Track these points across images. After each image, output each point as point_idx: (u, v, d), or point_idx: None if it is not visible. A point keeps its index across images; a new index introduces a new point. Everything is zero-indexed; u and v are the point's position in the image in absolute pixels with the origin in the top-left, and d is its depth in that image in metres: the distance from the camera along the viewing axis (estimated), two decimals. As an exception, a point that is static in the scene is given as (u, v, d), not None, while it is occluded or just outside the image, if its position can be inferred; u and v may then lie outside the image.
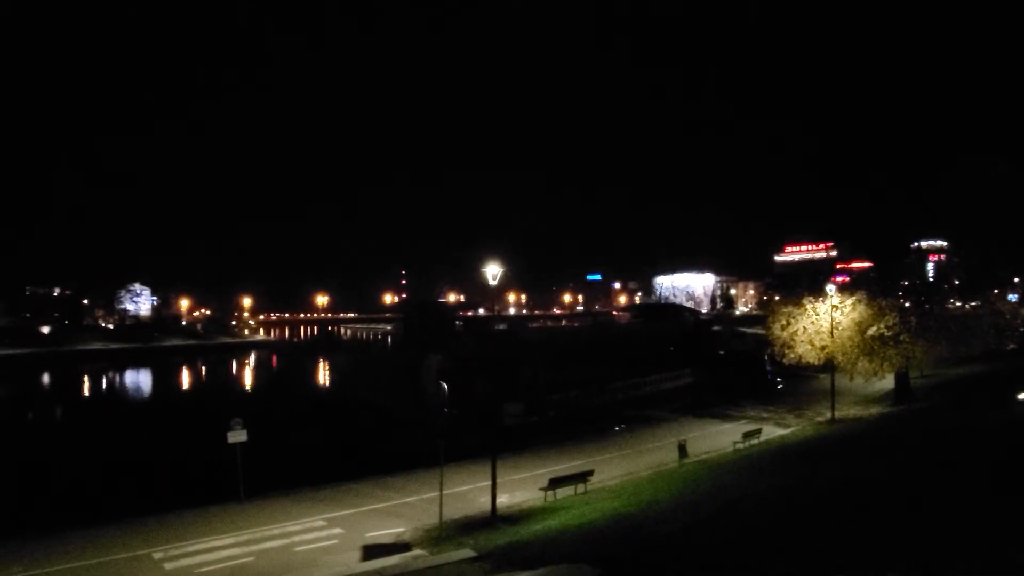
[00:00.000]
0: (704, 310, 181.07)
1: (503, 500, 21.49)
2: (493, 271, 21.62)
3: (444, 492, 20.48)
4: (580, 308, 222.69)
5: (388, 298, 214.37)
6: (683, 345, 76.41)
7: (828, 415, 36.49)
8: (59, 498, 27.40)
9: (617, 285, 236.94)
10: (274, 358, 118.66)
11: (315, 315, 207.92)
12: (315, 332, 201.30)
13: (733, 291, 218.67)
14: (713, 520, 16.46)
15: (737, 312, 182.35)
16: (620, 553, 14.64)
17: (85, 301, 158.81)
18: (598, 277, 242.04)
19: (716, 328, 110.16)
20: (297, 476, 26.76)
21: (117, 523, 21.11)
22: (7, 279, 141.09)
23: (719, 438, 32.69)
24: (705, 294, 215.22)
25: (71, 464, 35.54)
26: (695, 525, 16.28)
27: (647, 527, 17.02)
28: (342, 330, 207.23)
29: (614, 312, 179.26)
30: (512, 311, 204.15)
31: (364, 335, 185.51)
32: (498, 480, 20.66)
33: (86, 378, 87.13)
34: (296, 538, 19.45)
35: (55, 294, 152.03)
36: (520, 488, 24.25)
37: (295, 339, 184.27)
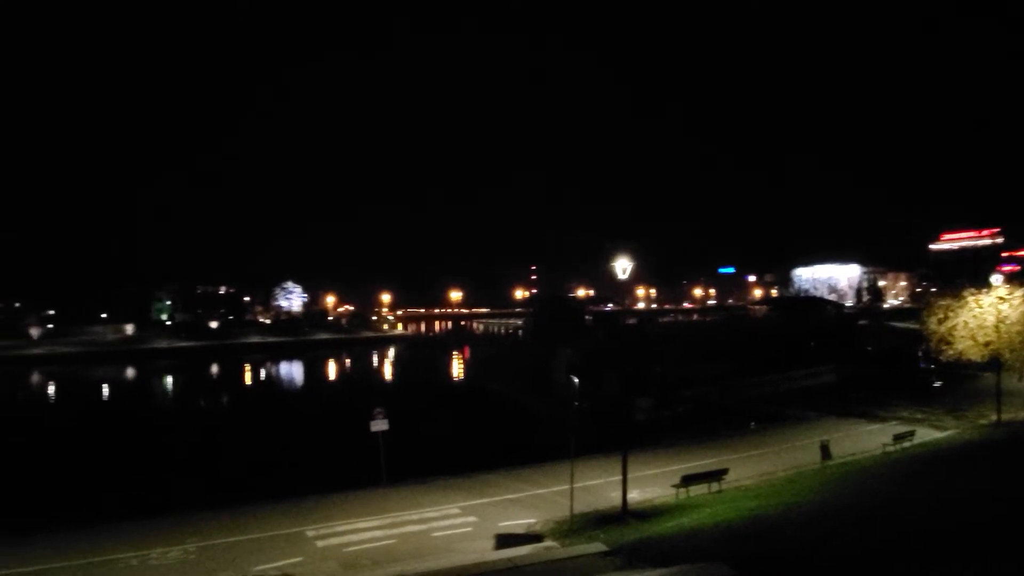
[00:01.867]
0: (849, 303, 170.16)
1: (634, 495, 21.38)
2: (623, 265, 21.50)
3: (575, 485, 20.67)
4: (712, 302, 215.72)
5: (519, 293, 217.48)
6: (825, 340, 72.20)
7: (993, 418, 33.35)
8: (225, 478, 30.05)
9: (752, 278, 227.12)
10: (408, 353, 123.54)
11: (449, 310, 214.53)
12: (449, 326, 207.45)
13: (882, 283, 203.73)
14: (859, 527, 15.57)
15: (886, 305, 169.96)
16: (757, 554, 14.19)
17: (246, 298, 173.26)
18: (731, 270, 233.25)
19: (862, 322, 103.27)
20: (434, 465, 27.86)
21: (276, 502, 22.97)
22: (183, 279, 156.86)
23: (866, 439, 30.73)
24: (850, 286, 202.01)
25: (235, 447, 38.92)
26: (839, 531, 15.48)
27: (786, 530, 16.37)
28: (475, 324, 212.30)
29: (749, 306, 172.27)
30: (641, 305, 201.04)
31: (496, 329, 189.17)
32: (629, 475, 20.57)
33: (247, 368, 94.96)
34: (434, 524, 20.32)
35: (221, 292, 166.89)
36: (651, 484, 24.00)
37: (430, 333, 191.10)
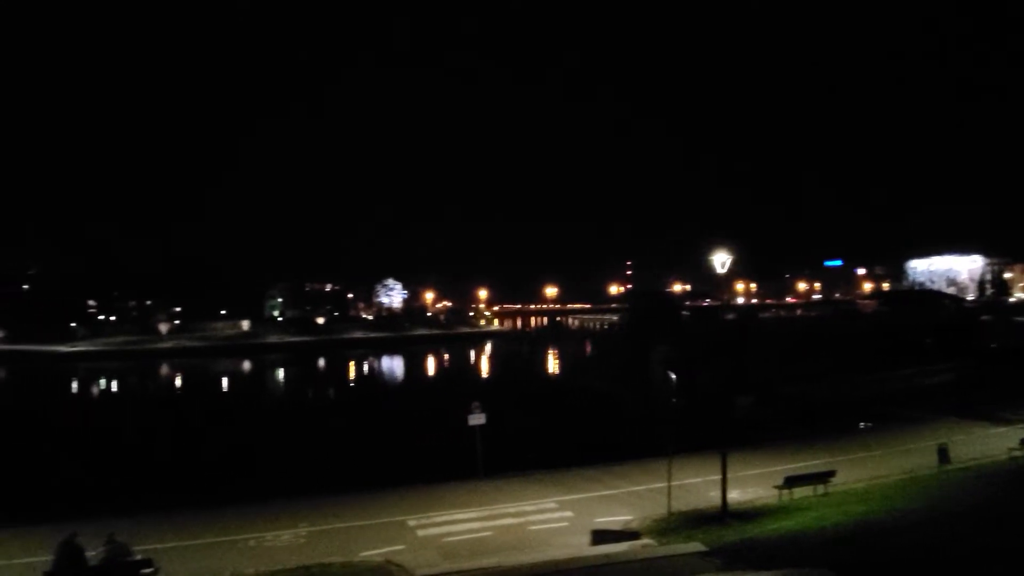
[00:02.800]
0: (970, 297, 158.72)
1: (733, 495, 20.88)
2: (722, 259, 21.02)
3: (672, 483, 20.42)
4: (817, 296, 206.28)
5: (614, 289, 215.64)
6: (943, 336, 67.81)
7: None
8: (332, 467, 31.45)
9: (861, 271, 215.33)
10: (503, 347, 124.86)
11: (545, 306, 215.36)
12: (545, 322, 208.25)
13: (1008, 275, 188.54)
14: (979, 536, 14.64)
15: (1012, 299, 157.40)
16: (864, 561, 13.61)
17: (350, 295, 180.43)
18: (838, 263, 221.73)
19: (985, 318, 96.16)
20: (530, 459, 28.15)
21: (378, 492, 23.91)
22: (292, 278, 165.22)
23: (990, 443, 28.67)
24: (971, 279, 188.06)
25: (340, 437, 40.63)
26: (956, 540, 14.61)
27: (897, 536, 15.60)
28: (570, 320, 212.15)
29: (857, 300, 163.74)
30: (741, 300, 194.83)
31: (591, 325, 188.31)
32: (728, 475, 20.12)
33: (351, 362, 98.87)
34: (530, 517, 20.57)
35: (327, 290, 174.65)
36: (751, 484, 23.37)
37: (527, 329, 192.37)
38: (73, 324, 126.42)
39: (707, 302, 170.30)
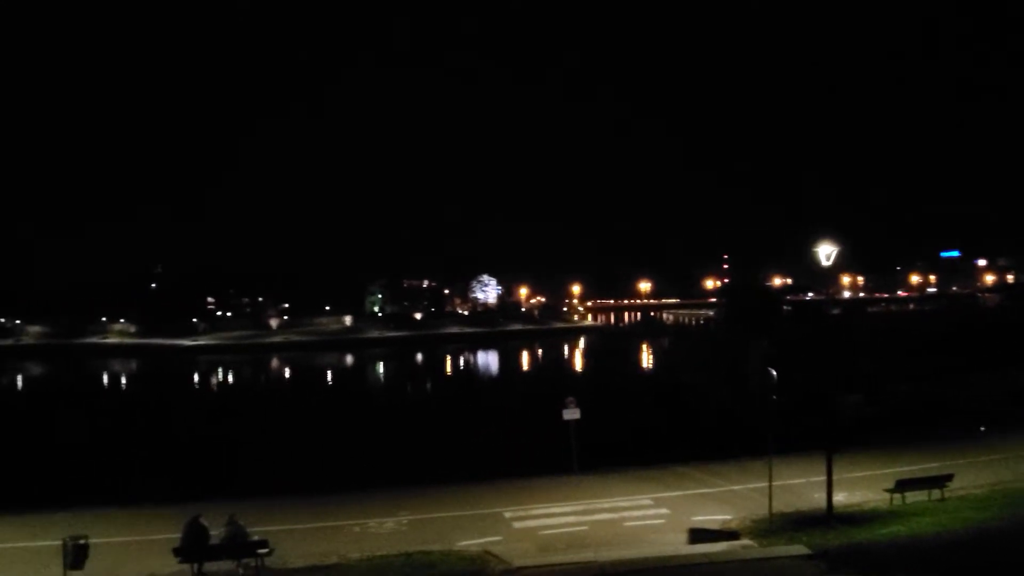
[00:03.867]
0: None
1: (839, 498, 20.07)
2: (826, 251, 20.18)
3: (773, 483, 19.84)
4: (932, 290, 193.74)
5: (710, 283, 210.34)
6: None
7: None
8: (430, 457, 32.35)
9: (982, 262, 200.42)
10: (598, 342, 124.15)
11: (638, 301, 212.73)
12: (638, 317, 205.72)
13: None
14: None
15: None
16: (982, 570, 12.86)
17: (446, 291, 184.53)
18: (955, 253, 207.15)
19: None
20: (624, 455, 28.05)
21: (475, 483, 24.45)
22: (391, 274, 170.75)
23: None
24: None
25: (435, 429, 41.71)
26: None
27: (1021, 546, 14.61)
28: (664, 315, 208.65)
29: (978, 293, 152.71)
30: (847, 294, 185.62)
31: (686, 320, 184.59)
32: (833, 476, 19.37)
33: (447, 357, 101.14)
34: (625, 514, 20.50)
35: (424, 285, 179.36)
36: (859, 487, 22.38)
37: (620, 324, 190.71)
38: (194, 320, 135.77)
39: (809, 296, 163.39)
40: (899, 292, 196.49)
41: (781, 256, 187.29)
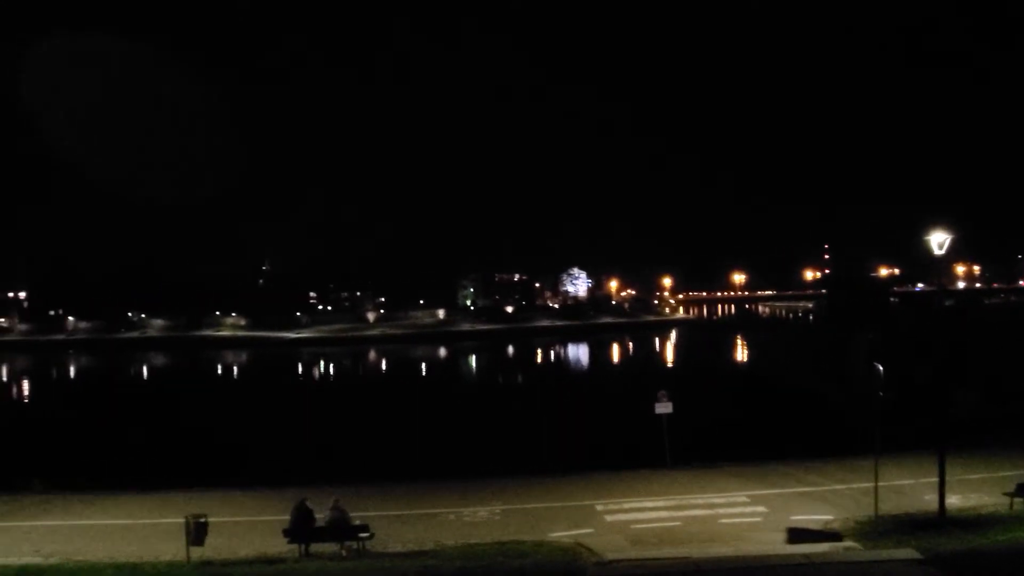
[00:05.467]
0: None
1: (952, 501, 18.97)
2: (939, 239, 19.02)
3: (879, 484, 18.97)
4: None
5: (809, 274, 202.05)
6: None
7: None
8: (518, 449, 32.69)
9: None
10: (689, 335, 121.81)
11: (732, 293, 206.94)
12: (732, 310, 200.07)
13: None
14: None
15: None
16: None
17: (537, 284, 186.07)
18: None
19: None
20: (718, 450, 27.46)
21: (566, 475, 24.57)
22: (482, 268, 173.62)
23: None
24: None
25: (525, 421, 42.05)
26: None
27: None
28: (759, 307, 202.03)
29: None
30: (962, 284, 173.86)
31: (782, 312, 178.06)
32: (947, 478, 18.33)
33: (538, 350, 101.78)
34: (720, 510, 20.10)
35: (515, 279, 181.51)
36: (974, 490, 21.06)
37: (713, 317, 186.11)
38: (298, 314, 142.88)
39: (920, 287, 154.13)
40: (1020, 282, 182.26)
41: (888, 245, 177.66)
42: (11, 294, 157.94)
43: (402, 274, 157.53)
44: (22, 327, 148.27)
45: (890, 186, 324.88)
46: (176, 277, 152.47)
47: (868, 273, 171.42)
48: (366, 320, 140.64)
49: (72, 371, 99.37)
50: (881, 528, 17.71)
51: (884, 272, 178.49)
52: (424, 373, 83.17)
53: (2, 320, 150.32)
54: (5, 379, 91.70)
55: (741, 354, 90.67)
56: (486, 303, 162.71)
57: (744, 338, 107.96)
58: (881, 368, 19.51)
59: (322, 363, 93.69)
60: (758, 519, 19.38)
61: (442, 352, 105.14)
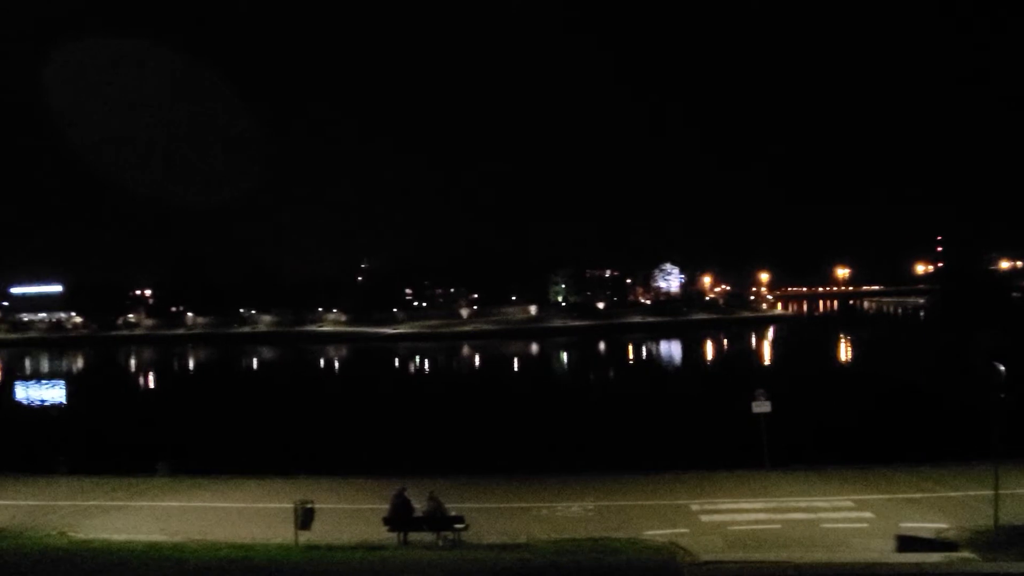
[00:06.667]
0: None
1: (1086, 513, 17.56)
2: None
3: (1000, 491, 17.77)
4: None
5: (920, 267, 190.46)
6: None
7: None
8: (612, 446, 32.57)
9: None
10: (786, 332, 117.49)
11: (834, 288, 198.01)
12: (834, 306, 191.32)
13: None
14: None
15: None
16: None
17: (628, 280, 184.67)
18: None
19: None
20: (820, 452, 26.49)
21: (659, 474, 24.27)
22: (574, 264, 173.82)
23: None
24: None
25: (619, 418, 41.83)
26: None
27: None
28: (865, 303, 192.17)
29: None
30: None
31: (889, 308, 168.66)
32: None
33: (630, 346, 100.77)
34: (822, 515, 19.37)
35: (606, 275, 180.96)
36: (1114, 502, 19.38)
37: (814, 313, 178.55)
38: (395, 310, 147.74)
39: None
40: None
41: (1009, 236, 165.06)
42: (139, 292, 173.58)
43: (494, 270, 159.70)
44: (148, 322, 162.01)
45: (1012, 173, 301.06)
46: (283, 276, 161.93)
47: (987, 267, 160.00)
48: (459, 316, 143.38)
49: (191, 363, 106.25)
50: (1002, 540, 16.60)
51: (1005, 265, 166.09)
52: (516, 369, 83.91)
53: (131, 316, 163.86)
54: (133, 370, 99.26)
55: (845, 352, 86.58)
56: (577, 299, 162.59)
57: (848, 335, 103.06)
58: (1003, 368, 18.27)
59: (417, 358, 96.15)
60: (864, 525, 18.57)
61: (534, 348, 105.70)
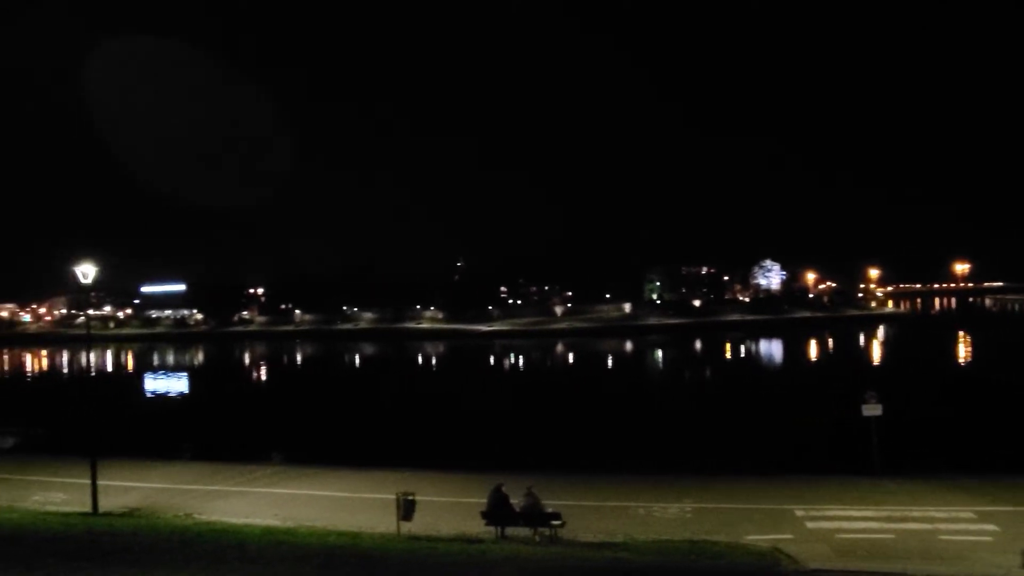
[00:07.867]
0: None
1: None
2: None
3: None
4: None
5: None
6: None
7: None
8: (707, 447, 31.82)
9: None
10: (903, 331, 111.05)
11: (951, 285, 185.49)
12: (952, 303, 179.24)
13: None
14: None
15: None
16: None
17: (726, 277, 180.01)
18: None
19: None
20: (936, 459, 25.11)
21: (761, 477, 23.62)
22: (669, 261, 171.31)
23: None
24: None
25: (715, 419, 40.80)
26: None
27: None
28: (986, 301, 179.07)
29: None
30: None
31: (1014, 307, 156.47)
32: None
33: (727, 345, 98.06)
34: (940, 526, 18.32)
35: (703, 272, 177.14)
36: None
37: (929, 311, 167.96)
38: (490, 307, 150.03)
39: None
40: None
41: None
42: (253, 290, 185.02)
43: (589, 268, 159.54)
44: (260, 319, 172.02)
45: None
46: (384, 275, 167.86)
47: None
48: (554, 313, 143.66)
49: (299, 358, 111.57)
50: None
51: None
52: (610, 366, 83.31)
53: (246, 313, 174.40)
54: (248, 363, 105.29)
55: (964, 353, 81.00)
56: (673, 297, 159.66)
57: (968, 335, 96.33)
58: None
59: (512, 355, 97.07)
60: (987, 538, 17.43)
61: (628, 346, 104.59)
